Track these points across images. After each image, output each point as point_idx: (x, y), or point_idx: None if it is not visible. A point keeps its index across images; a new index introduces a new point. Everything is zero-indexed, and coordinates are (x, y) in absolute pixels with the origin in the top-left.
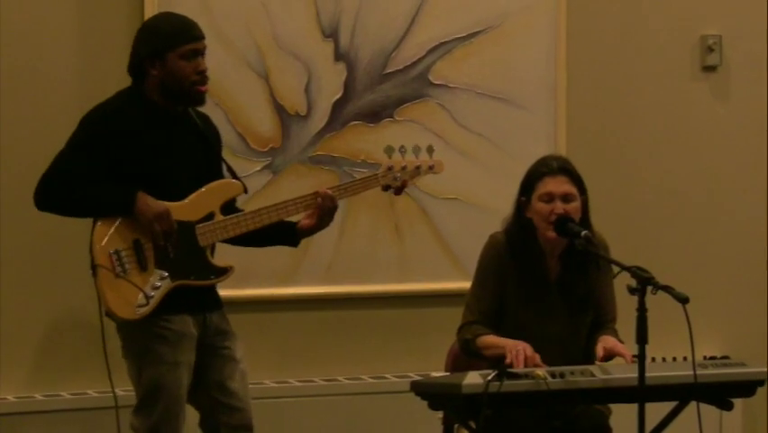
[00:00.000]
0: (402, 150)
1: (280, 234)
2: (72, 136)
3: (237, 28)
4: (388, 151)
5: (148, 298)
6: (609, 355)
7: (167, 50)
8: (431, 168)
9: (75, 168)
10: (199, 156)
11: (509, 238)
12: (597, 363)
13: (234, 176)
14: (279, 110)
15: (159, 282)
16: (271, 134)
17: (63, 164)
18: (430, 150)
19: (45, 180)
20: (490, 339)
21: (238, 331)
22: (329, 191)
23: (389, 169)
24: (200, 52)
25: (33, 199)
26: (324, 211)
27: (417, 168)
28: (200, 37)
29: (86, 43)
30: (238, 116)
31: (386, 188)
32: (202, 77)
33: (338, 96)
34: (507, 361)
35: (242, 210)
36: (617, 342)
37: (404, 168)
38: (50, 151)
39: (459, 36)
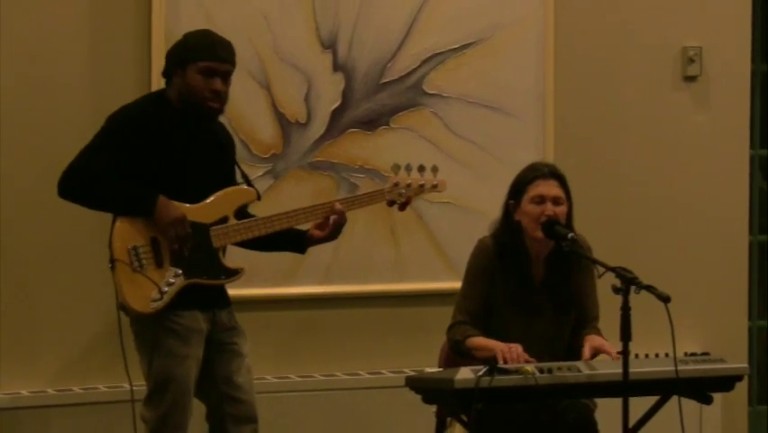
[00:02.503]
0: (408, 168)
1: (290, 240)
2: (98, 132)
3: (240, 40)
4: (395, 168)
5: (162, 293)
6: (595, 354)
7: (188, 61)
8: (434, 186)
9: (98, 162)
10: (215, 161)
11: (497, 240)
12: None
13: (249, 183)
14: (280, 118)
15: (173, 279)
16: (273, 141)
17: (87, 157)
18: (434, 169)
19: (69, 170)
20: (481, 341)
21: None
22: (343, 208)
23: (395, 185)
24: (218, 73)
25: (57, 187)
26: (336, 226)
27: (421, 185)
28: (223, 59)
29: (95, 54)
30: (241, 124)
31: (391, 203)
32: (213, 95)
33: (336, 105)
34: (500, 360)
35: (254, 215)
36: (604, 341)
37: (409, 185)
38: (62, 156)
39: (452, 48)
